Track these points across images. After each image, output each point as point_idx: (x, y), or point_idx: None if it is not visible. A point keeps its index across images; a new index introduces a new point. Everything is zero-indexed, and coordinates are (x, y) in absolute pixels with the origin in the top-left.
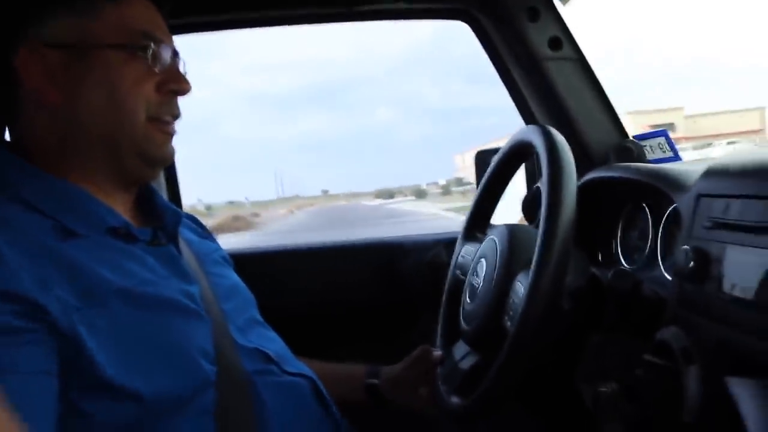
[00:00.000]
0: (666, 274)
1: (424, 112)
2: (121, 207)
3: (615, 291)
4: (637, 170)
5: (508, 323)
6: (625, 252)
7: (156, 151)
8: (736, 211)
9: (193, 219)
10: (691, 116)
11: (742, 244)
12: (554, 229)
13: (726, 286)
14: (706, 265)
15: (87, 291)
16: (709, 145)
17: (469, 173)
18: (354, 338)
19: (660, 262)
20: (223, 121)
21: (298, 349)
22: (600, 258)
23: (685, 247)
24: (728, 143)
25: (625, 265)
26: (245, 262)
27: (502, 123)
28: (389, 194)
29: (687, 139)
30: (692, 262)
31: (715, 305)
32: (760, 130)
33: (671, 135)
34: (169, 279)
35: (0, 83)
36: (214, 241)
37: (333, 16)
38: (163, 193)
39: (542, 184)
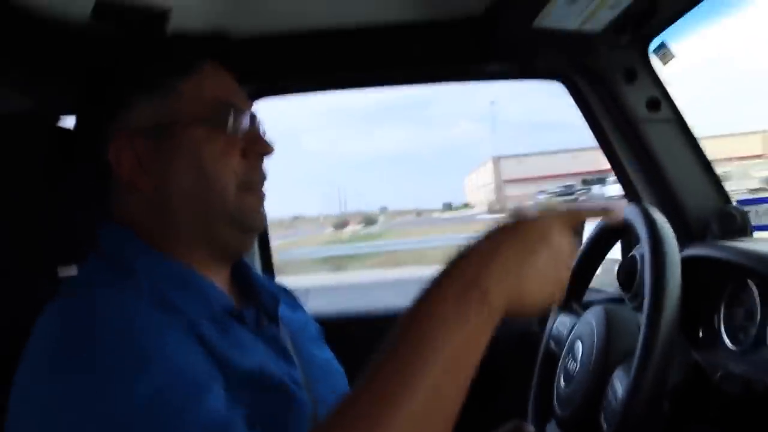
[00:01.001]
0: None
1: (508, 126)
2: (221, 282)
3: (724, 394)
4: (744, 253)
5: (605, 425)
6: (729, 331)
7: (250, 218)
8: None
9: (286, 291)
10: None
11: None
12: (657, 329)
13: None
14: None
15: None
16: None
17: (475, 198)
18: None
19: None
20: (303, 135)
21: None
22: (701, 335)
23: None
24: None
25: (730, 345)
26: (332, 327)
27: (576, 139)
28: (450, 207)
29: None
30: None
31: None
32: (762, 154)
33: None
34: (278, 363)
35: (96, 175)
36: (304, 312)
37: (429, 78)
38: (256, 260)
39: (645, 274)
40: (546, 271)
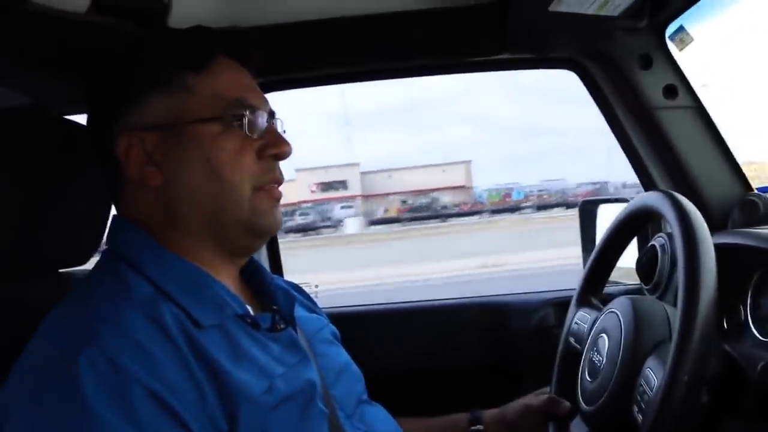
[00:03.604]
0: None
1: (501, 130)
2: (229, 281)
3: (765, 385)
4: None
5: (639, 416)
6: (756, 321)
7: (265, 221)
8: None
9: (300, 290)
10: (367, 173)
11: None
12: (695, 316)
13: None
14: None
15: (228, 395)
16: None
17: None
18: (455, 400)
19: None
20: (298, 140)
21: (401, 409)
22: (725, 326)
23: None
24: None
25: (758, 335)
26: (348, 323)
27: (577, 142)
28: None
29: (365, 197)
30: None
31: None
32: (464, 186)
33: (346, 192)
34: (297, 368)
35: (103, 168)
36: (320, 313)
37: (440, 69)
38: (263, 259)
39: (678, 259)
40: None
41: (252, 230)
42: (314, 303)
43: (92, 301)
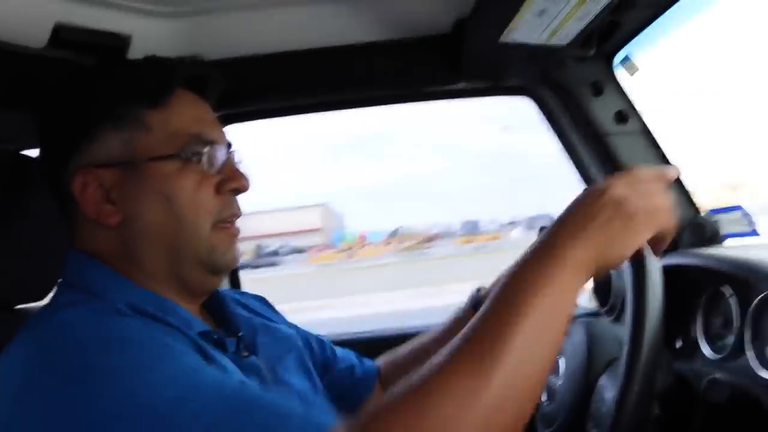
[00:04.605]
0: (755, 366)
1: (472, 156)
2: (195, 312)
3: (710, 402)
4: (721, 259)
5: (594, 431)
6: (707, 339)
7: (222, 258)
8: None
9: (266, 303)
10: None
11: None
12: (642, 331)
13: None
14: None
15: None
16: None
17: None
18: None
19: (748, 352)
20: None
21: None
22: (678, 345)
23: None
24: None
25: (709, 353)
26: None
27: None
28: None
29: None
30: None
31: None
32: (320, 229)
33: None
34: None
35: (60, 205)
36: (290, 325)
37: (394, 98)
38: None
39: (626, 281)
40: (623, 233)
41: (210, 268)
42: (280, 315)
43: (60, 313)
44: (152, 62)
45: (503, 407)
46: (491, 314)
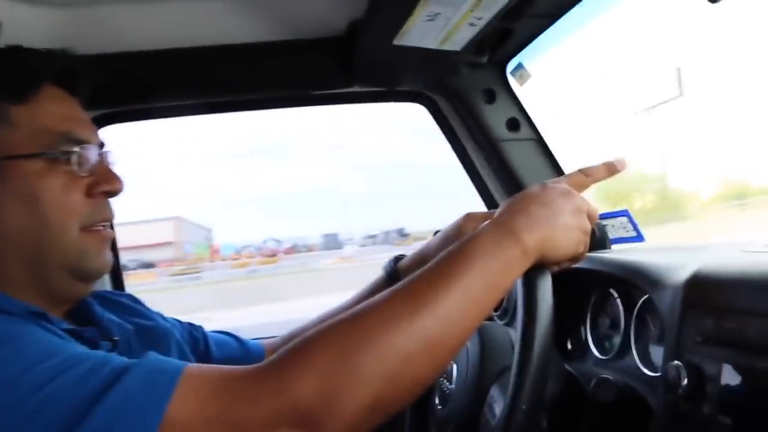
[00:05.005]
0: (640, 365)
1: (365, 165)
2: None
3: (598, 401)
4: (608, 262)
5: None
6: (596, 341)
7: (92, 264)
8: (733, 327)
9: (138, 302)
10: None
11: (739, 365)
12: (531, 342)
13: (724, 410)
14: (702, 384)
15: None
16: None
17: None
18: None
19: (634, 353)
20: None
21: None
22: (569, 347)
23: (677, 362)
24: None
25: (598, 354)
26: None
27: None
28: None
29: None
30: (686, 380)
31: (713, 427)
32: (172, 242)
33: None
34: None
35: None
36: (162, 316)
37: (286, 101)
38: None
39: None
40: (570, 224)
41: (79, 274)
42: (153, 312)
43: None
44: (18, 52)
45: (418, 359)
46: (437, 265)
